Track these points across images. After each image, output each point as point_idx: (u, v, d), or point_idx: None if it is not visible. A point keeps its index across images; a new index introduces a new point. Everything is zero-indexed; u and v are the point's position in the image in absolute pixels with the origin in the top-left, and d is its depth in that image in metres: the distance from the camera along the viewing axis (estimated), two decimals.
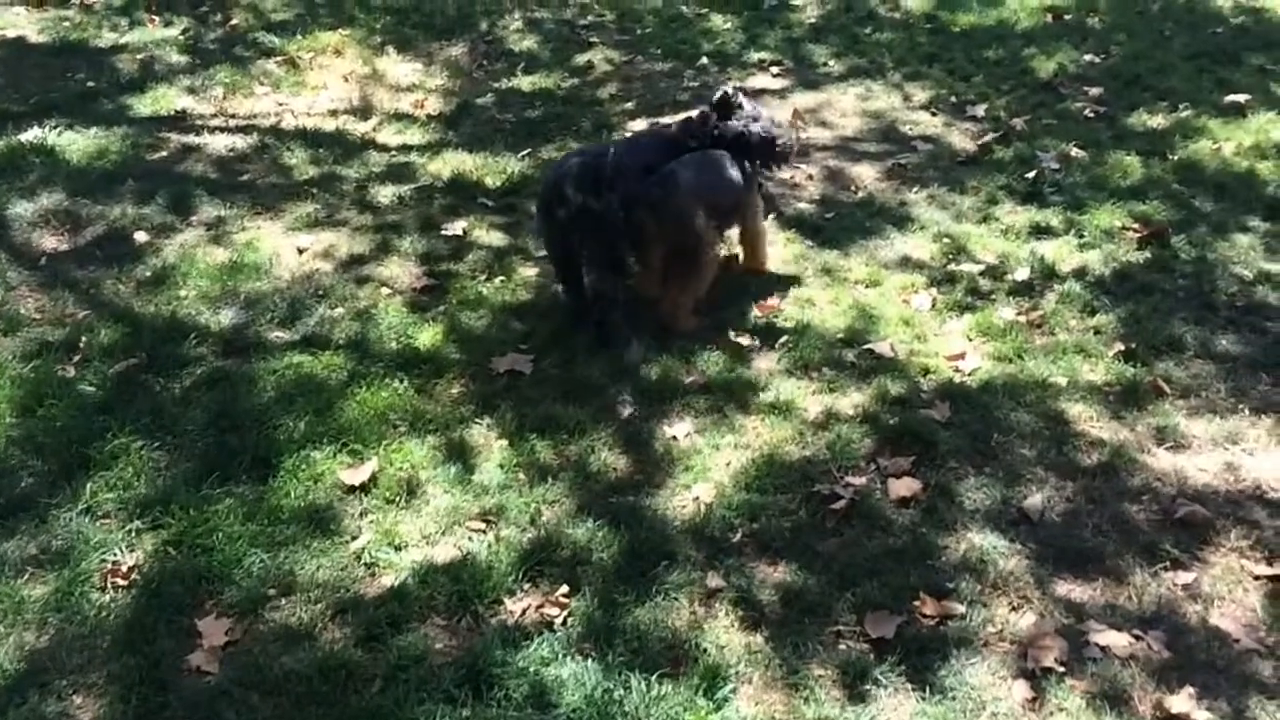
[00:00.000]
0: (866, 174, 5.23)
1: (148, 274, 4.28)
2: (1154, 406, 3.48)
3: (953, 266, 4.34)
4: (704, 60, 6.67)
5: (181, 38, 7.11)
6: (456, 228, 4.59)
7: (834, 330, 3.90)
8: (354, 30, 7.26)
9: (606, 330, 3.77)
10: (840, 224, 4.71)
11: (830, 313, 4.03)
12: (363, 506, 3.07)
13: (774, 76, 6.47)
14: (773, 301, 4.06)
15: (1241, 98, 5.82)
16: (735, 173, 3.99)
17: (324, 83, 6.45)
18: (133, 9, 7.63)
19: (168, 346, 3.78)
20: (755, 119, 4.19)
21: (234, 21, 7.41)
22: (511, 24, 7.43)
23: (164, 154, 5.39)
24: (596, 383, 3.62)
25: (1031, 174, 5.07)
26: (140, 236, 4.55)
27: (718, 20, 7.40)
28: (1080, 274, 4.27)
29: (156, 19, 7.46)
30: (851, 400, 3.53)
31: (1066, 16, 7.28)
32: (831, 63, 6.65)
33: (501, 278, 4.24)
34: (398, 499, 3.08)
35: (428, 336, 3.84)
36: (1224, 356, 3.74)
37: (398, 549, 2.92)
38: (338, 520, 3.01)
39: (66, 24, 7.38)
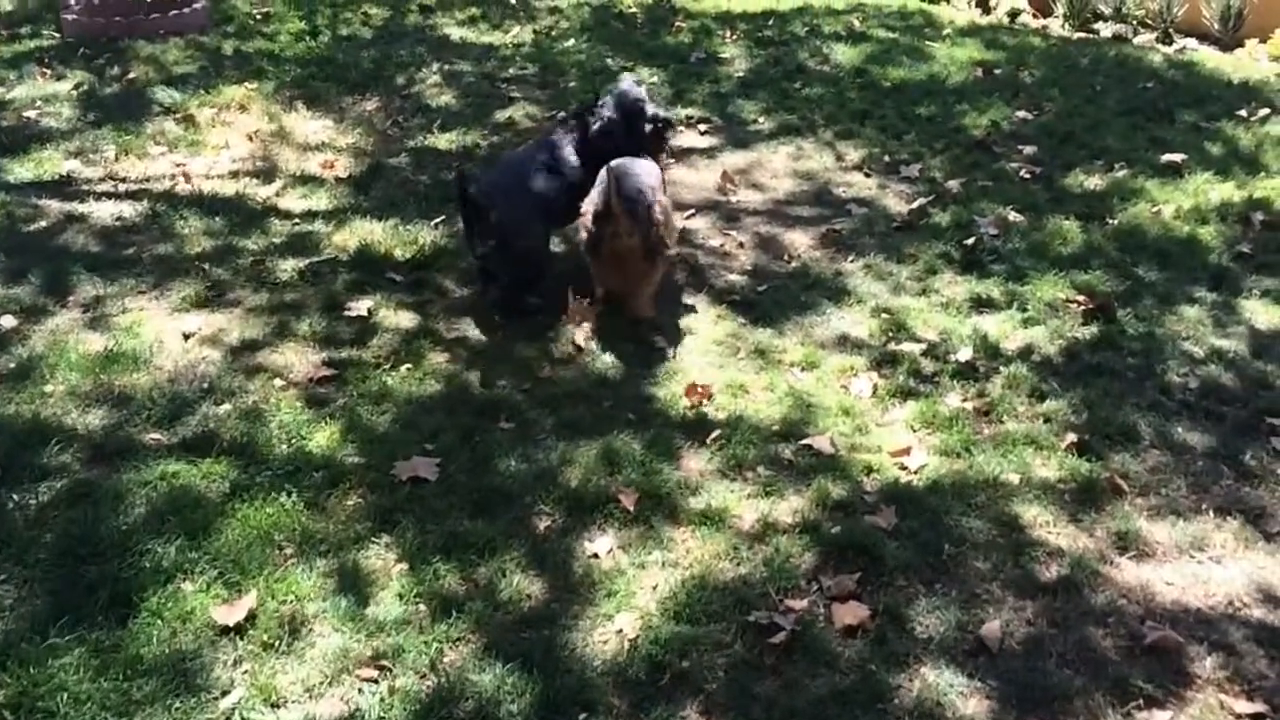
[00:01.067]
0: (800, 241, 4.98)
1: (11, 366, 3.84)
2: (1113, 507, 3.23)
3: (893, 346, 4.09)
4: None
5: (74, 93, 6.67)
6: (361, 307, 4.22)
7: (769, 422, 3.61)
8: (261, 84, 6.88)
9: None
10: (774, 298, 4.44)
11: (765, 400, 3.74)
12: (237, 653, 2.67)
13: (702, 134, 6.22)
14: (701, 385, 3.75)
15: (1178, 157, 5.71)
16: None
17: (226, 142, 6.06)
18: (22, 62, 7.17)
19: (26, 454, 3.35)
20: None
21: (131, 75, 6.98)
22: (429, 77, 7.11)
23: (42, 224, 4.95)
24: (510, 490, 3.27)
25: (970, 240, 4.86)
26: (6, 321, 4.11)
27: (643, 74, 7.15)
28: (1026, 353, 4.04)
29: (48, 72, 7.00)
30: (790, 505, 3.23)
31: (997, 71, 7.17)
32: (761, 119, 6.43)
33: (409, 365, 3.88)
34: (278, 642, 2.69)
35: (324, 437, 3.46)
36: (1181, 447, 3.52)
37: (274, 706, 2.53)
38: (207, 671, 2.62)
39: None
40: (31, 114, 6.31)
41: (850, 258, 4.80)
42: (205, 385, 3.75)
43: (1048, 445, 3.50)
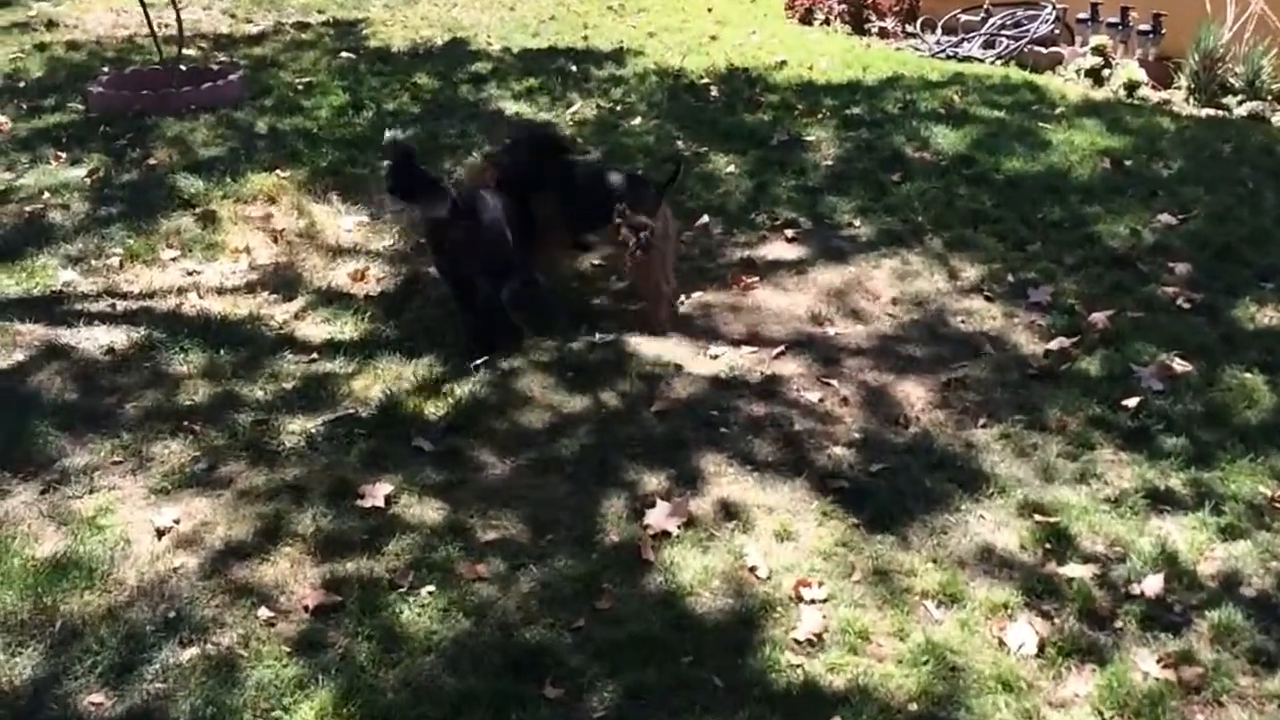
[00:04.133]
0: (916, 395, 4.08)
1: None
2: None
3: (1054, 567, 3.16)
4: (705, 219, 5.55)
5: (87, 181, 5.99)
6: (378, 494, 3.39)
7: (903, 696, 2.70)
8: (293, 170, 6.15)
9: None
10: (892, 484, 3.53)
11: (894, 657, 2.84)
12: None
13: (790, 241, 5.35)
14: (811, 633, 2.85)
15: None
16: None
17: (246, 245, 5.32)
18: (38, 142, 6.53)
19: None
20: None
21: (153, 160, 6.29)
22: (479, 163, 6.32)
23: (17, 359, 4.21)
24: None
25: (1131, 401, 3.92)
26: None
27: (720, 162, 6.32)
28: (1232, 584, 3.09)
29: (63, 155, 6.35)
30: None
31: (1127, 163, 6.22)
32: (857, 222, 5.55)
33: (431, 588, 3.03)
34: None
35: (311, 711, 2.62)
36: None
37: None
38: None
39: None
40: (36, 207, 5.62)
41: (981, 421, 3.89)
42: (172, 614, 2.93)
43: None
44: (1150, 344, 4.34)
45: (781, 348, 4.39)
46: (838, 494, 3.47)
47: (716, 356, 4.33)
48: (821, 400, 4.02)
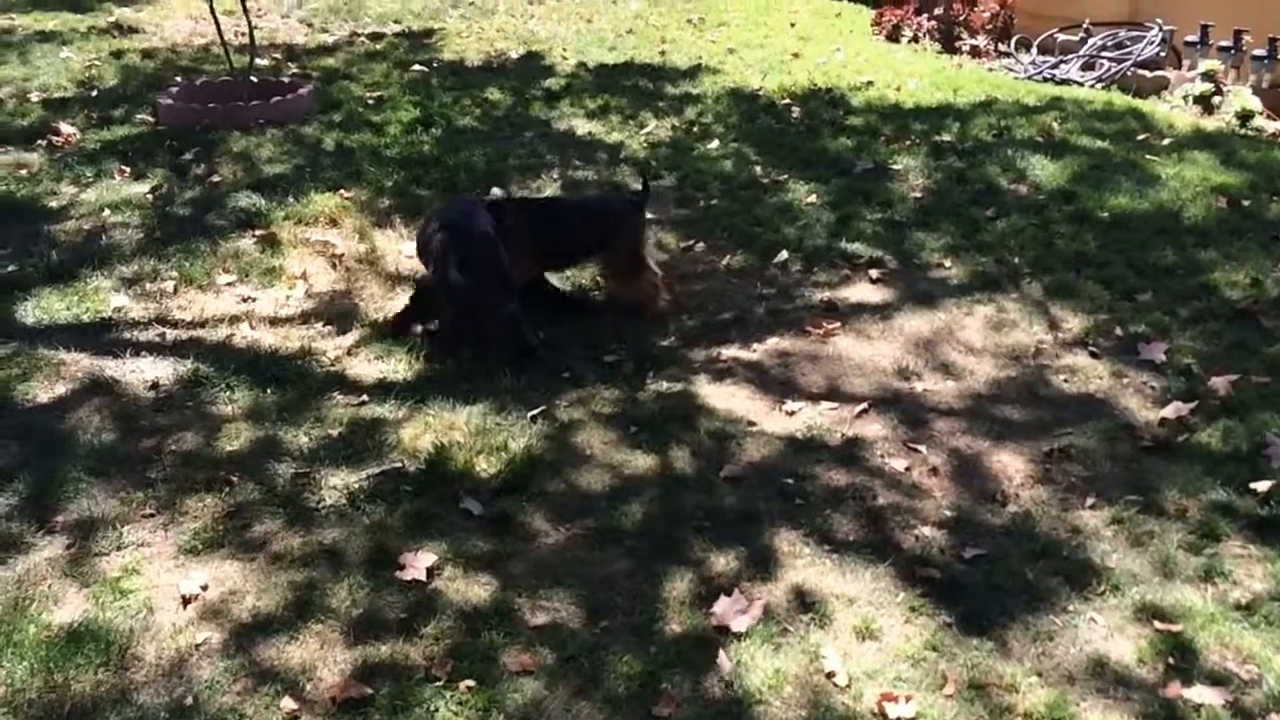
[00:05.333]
0: (1015, 466, 3.69)
1: None
2: None
3: (1177, 688, 2.76)
4: (784, 255, 5.21)
5: (149, 197, 5.86)
6: (420, 565, 3.12)
7: None
8: (357, 190, 5.96)
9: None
10: (988, 575, 3.16)
11: None
12: None
13: (874, 283, 4.98)
14: None
15: None
16: None
17: (304, 271, 5.11)
18: (104, 156, 6.42)
19: None
20: None
21: (216, 176, 6.14)
22: (547, 187, 6.07)
23: (59, 392, 4.04)
24: None
25: (1261, 485, 3.49)
26: None
27: (800, 191, 5.97)
28: None
29: (127, 170, 6.23)
30: None
31: (1245, 202, 5.73)
32: (947, 262, 5.16)
33: (470, 682, 2.74)
34: None
35: None
36: None
37: None
38: None
39: (23, 173, 6.18)
40: (95, 225, 5.49)
41: (1089, 501, 3.49)
42: (189, 700, 2.68)
43: None
44: (1278, 414, 3.89)
45: (864, 405, 4.03)
46: (927, 585, 3.11)
47: (793, 413, 3.99)
48: (908, 469, 3.65)
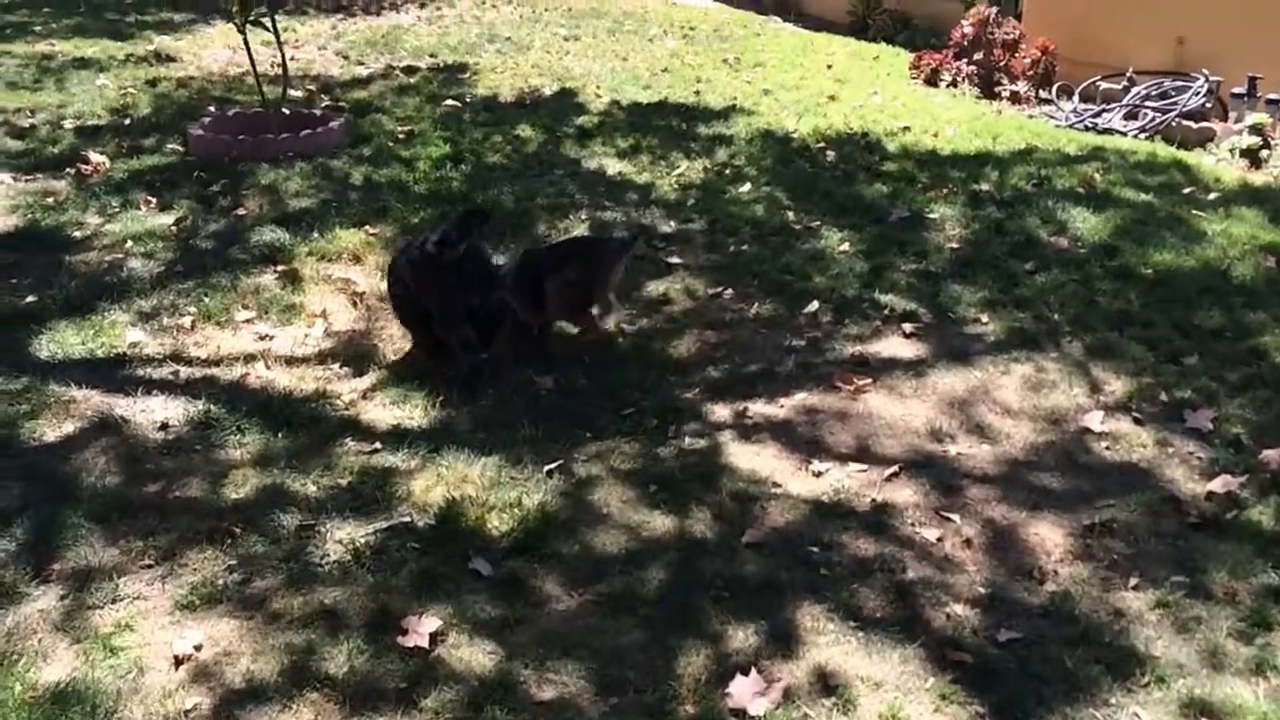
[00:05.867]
0: (1053, 540, 3.50)
1: None
2: None
3: None
4: (814, 306, 5.06)
5: (173, 229, 5.81)
6: (423, 630, 2.97)
7: None
8: (383, 226, 5.89)
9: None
10: (1024, 662, 2.97)
11: None
12: None
13: (907, 337, 4.82)
14: None
15: None
16: None
17: (324, 308, 5.03)
18: (131, 187, 6.39)
19: None
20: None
21: (242, 210, 6.10)
22: (574, 228, 5.97)
23: (66, 430, 3.95)
24: None
25: None
26: None
27: (833, 238, 5.83)
28: None
29: (153, 201, 6.19)
30: None
31: None
32: (984, 318, 4.99)
33: None
34: None
35: None
36: None
37: None
38: None
39: (49, 201, 6.17)
40: (117, 257, 5.44)
41: (1132, 581, 3.30)
42: None
43: None
44: None
45: (895, 468, 3.86)
46: (958, 669, 2.92)
47: (820, 474, 3.83)
48: (940, 540, 3.47)
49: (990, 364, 4.59)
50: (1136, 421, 4.19)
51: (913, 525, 3.55)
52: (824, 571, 3.29)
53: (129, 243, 5.61)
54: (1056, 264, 5.52)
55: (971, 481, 3.82)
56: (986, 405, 4.30)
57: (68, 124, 7.60)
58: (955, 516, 3.59)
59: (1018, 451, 4.01)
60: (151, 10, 12.31)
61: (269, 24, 6.90)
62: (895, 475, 3.82)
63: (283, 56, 7.28)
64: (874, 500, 3.67)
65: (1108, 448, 4.03)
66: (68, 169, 6.65)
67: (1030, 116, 8.60)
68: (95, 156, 6.82)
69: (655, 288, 5.28)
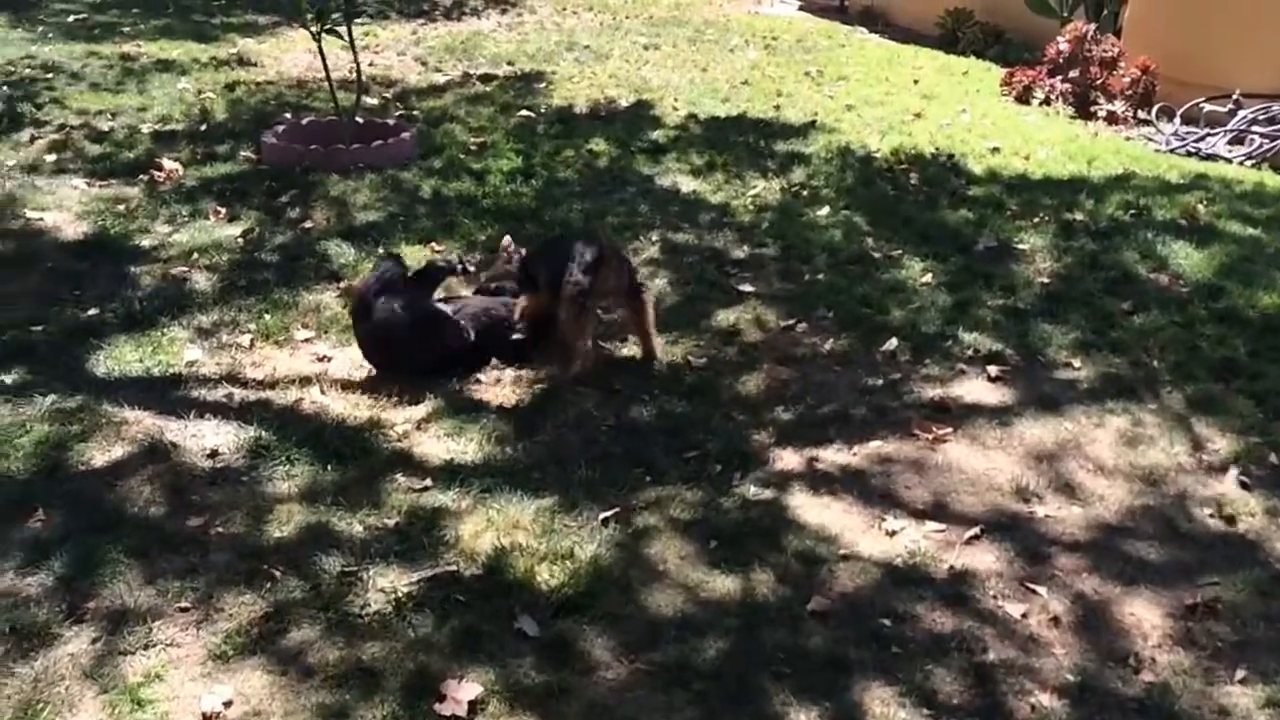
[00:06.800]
0: (1149, 622, 3.20)
1: None
2: None
3: None
4: (893, 343, 4.78)
5: (239, 240, 5.76)
6: (462, 697, 2.80)
7: None
8: (449, 243, 5.77)
9: None
10: None
11: None
12: None
13: (992, 381, 4.53)
14: None
15: None
16: None
17: None
18: (202, 196, 6.36)
19: None
20: None
21: (309, 222, 6.02)
22: (645, 249, 5.78)
23: (115, 454, 3.86)
24: None
25: None
26: None
27: (914, 268, 5.54)
28: None
29: (222, 211, 6.15)
30: None
31: None
32: (1076, 362, 4.67)
33: None
34: None
35: None
36: None
37: None
38: None
39: (120, 208, 6.16)
40: (181, 270, 5.39)
41: (1239, 674, 2.99)
42: None
43: None
44: None
45: (976, 529, 3.59)
46: None
47: (894, 533, 3.57)
48: (1025, 616, 3.20)
49: (1082, 414, 4.28)
50: (1243, 486, 3.86)
51: (994, 598, 3.27)
52: (895, 649, 3.04)
53: (195, 254, 5.56)
54: (1156, 304, 5.17)
55: (1060, 549, 3.52)
56: (1078, 461, 4.00)
57: (145, 128, 7.63)
58: (1042, 589, 3.31)
59: (1111, 515, 3.71)
60: (237, 12, 12.41)
61: (343, 32, 6.82)
62: (976, 538, 3.55)
63: (357, 66, 7.20)
64: (952, 567, 3.40)
65: (1211, 515, 3.71)
66: (141, 175, 6.65)
67: (1128, 139, 8.18)
68: (169, 163, 6.81)
69: (725, 317, 5.06)
